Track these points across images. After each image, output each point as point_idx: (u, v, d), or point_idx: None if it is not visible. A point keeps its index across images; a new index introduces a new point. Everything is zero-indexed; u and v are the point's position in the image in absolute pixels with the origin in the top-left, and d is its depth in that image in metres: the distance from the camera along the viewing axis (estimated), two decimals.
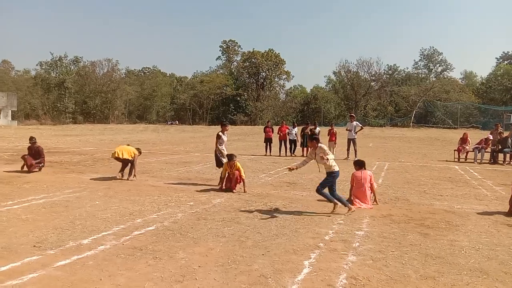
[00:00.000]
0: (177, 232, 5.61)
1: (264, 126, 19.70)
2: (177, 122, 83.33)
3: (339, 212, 7.03)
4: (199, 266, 4.34)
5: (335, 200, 7.22)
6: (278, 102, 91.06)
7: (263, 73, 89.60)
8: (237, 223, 6.19)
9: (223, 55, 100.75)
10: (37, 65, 79.74)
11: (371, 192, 7.95)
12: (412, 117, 74.02)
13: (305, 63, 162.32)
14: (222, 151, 9.89)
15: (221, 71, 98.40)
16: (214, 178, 10.84)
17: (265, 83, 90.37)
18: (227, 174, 9.13)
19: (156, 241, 5.18)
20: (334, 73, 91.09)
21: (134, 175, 10.26)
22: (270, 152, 18.11)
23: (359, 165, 8.12)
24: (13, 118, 56.83)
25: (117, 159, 10.11)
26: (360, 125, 16.49)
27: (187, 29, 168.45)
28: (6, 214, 6.45)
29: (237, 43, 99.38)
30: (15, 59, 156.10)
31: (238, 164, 9.15)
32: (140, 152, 10.62)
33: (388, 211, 7.30)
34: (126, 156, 10.04)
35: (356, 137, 16.38)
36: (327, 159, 7.23)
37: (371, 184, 7.90)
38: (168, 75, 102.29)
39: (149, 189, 9.04)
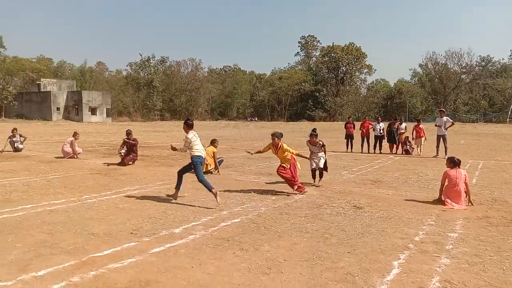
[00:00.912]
0: (261, 226, 5.70)
1: (345, 122, 19.22)
2: (256, 119, 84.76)
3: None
4: (284, 260, 4.37)
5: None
6: (359, 97, 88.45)
7: (343, 68, 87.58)
8: (320, 220, 6.14)
9: (301, 50, 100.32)
10: (127, 65, 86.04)
11: (465, 193, 7.40)
12: (510, 112, 67.40)
13: (388, 56, 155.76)
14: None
15: (299, 67, 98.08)
16: None
17: (345, 77, 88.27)
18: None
19: (242, 233, 5.32)
20: (420, 65, 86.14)
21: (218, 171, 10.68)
22: (351, 148, 17.66)
23: (454, 163, 7.56)
24: (107, 115, 61.90)
25: None
26: (451, 121, 15.38)
27: (266, 27, 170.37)
28: (106, 203, 7.04)
29: (316, 38, 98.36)
30: (108, 61, 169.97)
31: (285, 146, 8.46)
32: (216, 146, 10.99)
33: (485, 213, 6.74)
34: (209, 161, 10.47)
35: (446, 133, 15.34)
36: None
37: (466, 184, 7.35)
38: (247, 72, 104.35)
39: (232, 183, 9.32)
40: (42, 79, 62.14)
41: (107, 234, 5.19)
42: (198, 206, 6.85)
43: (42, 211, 6.36)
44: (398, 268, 4.22)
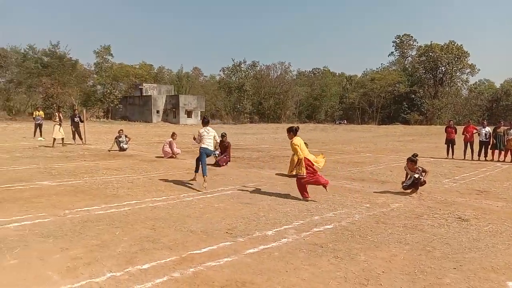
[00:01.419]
0: (356, 234, 5.48)
1: (445, 126, 17.87)
2: (345, 122, 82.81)
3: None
4: (383, 272, 4.14)
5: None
6: (460, 99, 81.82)
7: (442, 68, 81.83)
8: (420, 231, 5.72)
9: (396, 50, 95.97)
10: (220, 71, 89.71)
11: None
12: None
13: (493, 55, 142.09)
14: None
15: (393, 68, 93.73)
16: (390, 180, 10.33)
17: (444, 78, 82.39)
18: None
19: (336, 240, 5.16)
20: None
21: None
22: (452, 155, 16.36)
23: None
24: (201, 118, 65.09)
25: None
26: None
27: (357, 27, 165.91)
28: (202, 202, 7.33)
29: (412, 37, 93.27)
30: (204, 66, 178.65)
31: (296, 144, 7.60)
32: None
33: None
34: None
35: None
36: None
37: None
38: (337, 74, 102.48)
39: (322, 187, 9.12)
40: (144, 84, 67.36)
41: (204, 232, 5.38)
42: (289, 210, 6.81)
43: (145, 207, 6.82)
44: None
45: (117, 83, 67.70)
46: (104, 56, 66.35)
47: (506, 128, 16.30)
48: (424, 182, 8.54)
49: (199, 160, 9.13)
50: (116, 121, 54.53)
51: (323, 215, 6.48)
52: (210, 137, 9.05)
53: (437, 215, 6.75)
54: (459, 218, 6.54)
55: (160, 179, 9.72)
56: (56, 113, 17.86)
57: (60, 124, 17.58)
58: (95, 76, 66.14)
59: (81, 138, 19.23)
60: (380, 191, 8.80)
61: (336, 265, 4.31)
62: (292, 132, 7.96)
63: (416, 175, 8.45)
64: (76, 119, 19.20)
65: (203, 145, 8.94)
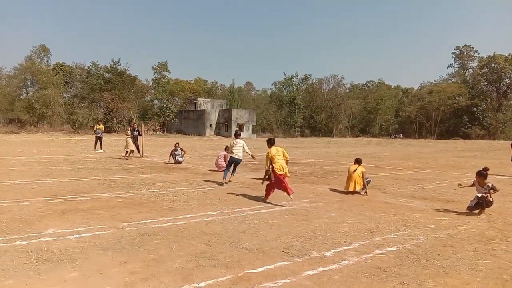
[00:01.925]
0: (422, 258, 5.10)
1: (511, 142, 16.62)
2: (401, 136, 79.92)
3: None
4: None
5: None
6: None
7: (507, 80, 77.09)
8: (494, 256, 5.23)
9: (455, 62, 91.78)
10: (272, 84, 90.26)
11: None
12: None
13: None
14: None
15: (452, 80, 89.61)
16: (455, 199, 9.68)
17: (508, 90, 77.53)
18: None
19: (400, 264, 4.83)
20: None
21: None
22: None
23: None
24: (252, 131, 65.57)
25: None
26: None
27: (413, 38, 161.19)
28: (256, 217, 7.22)
29: (473, 48, 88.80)
30: (256, 80, 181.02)
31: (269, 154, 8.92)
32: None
33: None
34: (358, 181, 10.11)
35: None
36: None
37: None
38: (393, 87, 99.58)
39: (382, 205, 8.72)
40: (198, 99, 69.22)
41: (260, 250, 5.25)
42: (348, 229, 6.51)
43: (200, 221, 6.82)
44: None
45: (173, 97, 70.14)
46: (162, 72, 69.05)
47: None
48: (491, 203, 7.90)
49: (229, 165, 11.56)
50: (171, 135, 56.29)
51: (385, 236, 6.13)
52: (239, 147, 11.34)
53: (511, 239, 6.18)
54: None
55: (214, 193, 9.75)
56: (129, 127, 19.18)
57: (134, 137, 19.29)
58: (153, 91, 68.90)
59: (139, 151, 19.92)
60: (444, 211, 8.25)
61: None
62: (269, 143, 9.26)
63: (479, 194, 7.85)
64: (135, 133, 19.95)
65: (231, 154, 11.37)
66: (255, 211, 7.77)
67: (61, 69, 61.42)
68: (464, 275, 4.53)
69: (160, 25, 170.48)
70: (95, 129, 24.26)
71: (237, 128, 56.24)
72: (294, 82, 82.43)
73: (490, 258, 5.20)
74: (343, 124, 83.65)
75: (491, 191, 7.92)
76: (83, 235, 5.83)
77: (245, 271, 4.44)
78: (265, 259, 4.88)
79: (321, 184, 11.87)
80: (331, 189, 10.83)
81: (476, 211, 7.95)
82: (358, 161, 10.51)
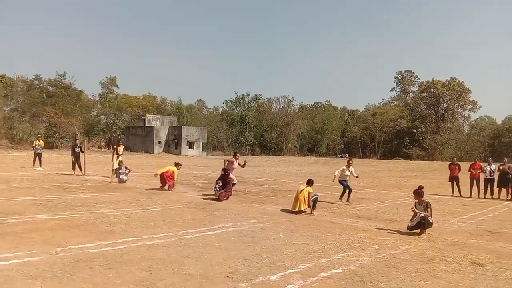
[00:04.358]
0: (367, 280, 5.11)
1: (449, 163, 17.56)
2: (347, 155, 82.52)
3: None
4: None
5: None
6: (462, 135, 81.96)
7: (444, 104, 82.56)
8: (434, 277, 5.35)
9: (397, 86, 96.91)
10: (223, 103, 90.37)
11: None
12: None
13: (494, 91, 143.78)
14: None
15: (395, 103, 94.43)
16: (397, 219, 9.98)
17: (446, 114, 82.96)
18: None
19: (345, 287, 4.79)
20: None
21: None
22: (459, 192, 15.99)
23: None
24: (203, 149, 64.95)
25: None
26: None
27: (359, 62, 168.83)
28: (202, 240, 6.97)
29: (413, 73, 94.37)
30: (207, 98, 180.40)
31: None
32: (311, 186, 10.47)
33: None
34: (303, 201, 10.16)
35: None
36: None
37: None
38: (339, 108, 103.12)
39: (329, 225, 8.78)
40: (147, 115, 67.70)
41: (203, 276, 5.01)
42: (294, 251, 6.44)
43: (141, 245, 6.47)
44: None
45: (121, 113, 68.07)
46: (110, 87, 67.03)
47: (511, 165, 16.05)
48: (431, 224, 8.21)
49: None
50: None
51: (331, 258, 6.11)
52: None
53: (450, 258, 6.39)
54: (474, 262, 6.18)
55: (159, 214, 9.37)
56: (116, 146, 18.84)
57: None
58: (99, 106, 66.56)
59: (80, 169, 18.96)
60: (387, 231, 8.45)
61: None
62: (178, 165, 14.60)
63: (422, 215, 8.14)
64: (77, 149, 19.01)
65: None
66: (201, 233, 7.51)
67: (1, 81, 57.88)
68: None
69: (110, 38, 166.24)
70: (34, 145, 22.85)
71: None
72: (245, 101, 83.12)
73: (431, 278, 5.31)
74: (293, 143, 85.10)
75: (428, 209, 8.24)
76: (10, 262, 5.30)
77: None
78: (209, 286, 4.66)
79: (269, 204, 11.81)
80: (279, 209, 10.78)
81: (417, 231, 8.20)
82: (309, 182, 10.57)
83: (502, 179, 15.56)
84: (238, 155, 14.86)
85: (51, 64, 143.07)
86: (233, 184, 13.30)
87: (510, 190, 15.47)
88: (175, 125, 66.69)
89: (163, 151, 60.77)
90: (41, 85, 56.15)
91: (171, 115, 75.64)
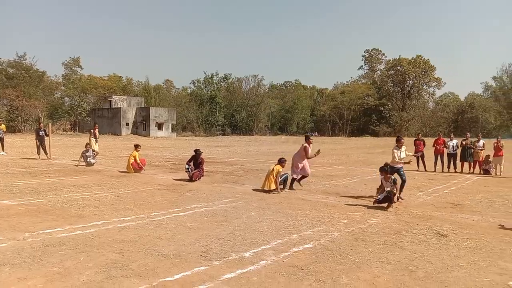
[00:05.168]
0: (337, 253, 5.27)
1: (414, 139, 18.10)
2: (317, 134, 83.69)
3: None
4: None
5: None
6: (427, 112, 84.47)
7: (410, 81, 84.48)
8: (401, 248, 5.57)
9: (365, 64, 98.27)
10: (190, 83, 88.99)
11: None
12: None
13: (458, 69, 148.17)
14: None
15: (363, 81, 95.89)
16: (365, 194, 10.25)
17: (411, 91, 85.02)
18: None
19: (316, 261, 4.93)
20: (494, 78, 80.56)
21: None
22: (424, 167, 16.56)
23: None
24: (172, 130, 64.16)
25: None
26: None
27: (328, 41, 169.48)
28: (174, 221, 6.96)
29: (380, 51, 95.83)
30: (176, 78, 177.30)
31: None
32: (283, 165, 10.55)
33: None
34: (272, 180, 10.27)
35: None
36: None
37: None
38: (309, 87, 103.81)
39: (300, 202, 8.94)
40: (113, 96, 65.96)
41: (176, 256, 5.03)
42: (266, 228, 6.54)
43: (112, 228, 6.40)
44: None
45: (86, 95, 65.99)
46: (73, 68, 64.69)
47: (474, 140, 16.72)
48: (398, 197, 8.51)
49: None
50: (83, 134, 52.96)
51: (302, 233, 6.25)
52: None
53: (415, 230, 6.65)
54: (438, 233, 6.46)
55: (129, 197, 9.26)
56: (92, 130, 18.39)
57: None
58: (63, 88, 64.27)
59: (46, 153, 18.39)
60: (356, 206, 8.69)
61: None
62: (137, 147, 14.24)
63: (389, 188, 8.41)
64: (41, 133, 18.39)
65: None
66: (173, 215, 7.50)
67: None
68: (374, 268, 4.75)
69: (73, 16, 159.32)
70: None
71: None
72: (214, 81, 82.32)
73: (398, 250, 5.53)
74: (263, 123, 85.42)
75: (394, 185, 8.51)
76: None
77: (160, 280, 4.21)
78: (182, 265, 4.69)
79: (241, 183, 11.88)
80: (251, 188, 10.87)
81: (384, 205, 8.48)
82: (279, 161, 10.64)
83: (464, 154, 16.19)
84: (311, 138, 11.52)
85: (10, 45, 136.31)
86: (304, 177, 11.13)
87: (471, 164, 16.15)
88: (143, 106, 65.46)
89: (131, 133, 59.67)
90: (0, 66, 53.57)
91: (138, 96, 74.07)
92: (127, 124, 60.49)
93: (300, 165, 10.79)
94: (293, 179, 10.87)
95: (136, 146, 14.48)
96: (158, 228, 6.41)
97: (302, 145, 10.95)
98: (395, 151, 9.60)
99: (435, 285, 4.26)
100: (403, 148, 9.79)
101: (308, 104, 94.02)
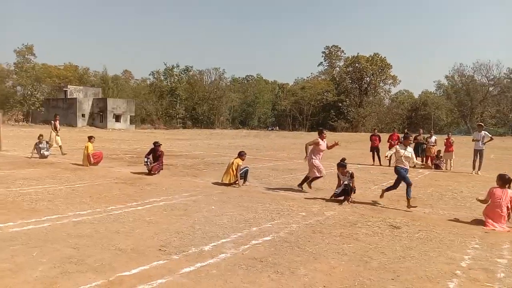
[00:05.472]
0: (295, 245, 5.38)
1: (370, 134, 18.70)
2: (277, 128, 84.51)
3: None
4: (324, 286, 4.04)
5: None
6: (383, 108, 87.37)
7: (367, 78, 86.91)
8: (356, 240, 5.77)
9: (325, 61, 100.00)
10: (149, 74, 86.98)
11: (508, 213, 6.93)
12: None
13: (413, 68, 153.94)
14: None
15: (322, 77, 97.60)
16: (323, 187, 10.50)
17: (369, 88, 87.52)
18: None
19: (275, 253, 5.02)
20: (447, 77, 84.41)
21: None
22: (379, 161, 17.15)
23: (504, 181, 7.12)
24: (131, 122, 62.71)
25: None
26: (490, 136, 14.54)
27: (290, 36, 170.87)
28: (132, 215, 6.84)
29: (340, 48, 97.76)
30: (134, 69, 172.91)
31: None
32: (243, 159, 10.60)
33: None
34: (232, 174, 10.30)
35: (484, 148, 14.62)
36: None
37: (511, 204, 6.88)
38: (270, 82, 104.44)
39: (260, 195, 9.03)
40: (69, 86, 63.48)
41: (134, 250, 4.96)
42: (227, 221, 6.57)
43: (67, 222, 6.20)
44: None
45: (39, 84, 63.03)
46: (26, 56, 61.61)
47: (427, 136, 17.49)
48: (354, 190, 8.77)
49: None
50: (36, 125, 50.70)
51: (261, 226, 6.33)
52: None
53: (370, 222, 6.90)
54: (391, 225, 6.73)
55: (85, 190, 8.99)
56: (53, 121, 17.69)
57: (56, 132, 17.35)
58: (15, 76, 61.11)
59: None
60: (314, 199, 8.88)
61: (277, 281, 4.14)
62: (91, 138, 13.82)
63: (346, 182, 8.65)
64: None
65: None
66: (131, 208, 7.36)
67: None
68: (331, 259, 4.89)
69: (25, 2, 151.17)
70: None
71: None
72: (175, 73, 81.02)
73: (353, 241, 5.72)
74: (225, 116, 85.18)
75: (352, 179, 8.77)
76: None
77: (117, 274, 4.14)
78: (140, 260, 4.63)
79: (202, 177, 11.82)
80: (212, 182, 10.84)
81: (341, 198, 8.72)
82: (239, 154, 10.68)
83: (416, 149, 16.90)
84: (325, 132, 10.47)
85: None
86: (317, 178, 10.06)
87: (424, 158, 16.89)
88: (100, 97, 63.48)
89: (87, 125, 57.81)
90: None
91: (95, 87, 71.71)
92: (83, 116, 58.53)
93: (317, 165, 9.82)
94: (313, 178, 9.98)
95: (90, 138, 14.06)
96: (115, 222, 6.28)
97: (315, 142, 10.10)
98: (399, 149, 8.62)
99: (388, 275, 4.45)
100: (409, 148, 8.77)
101: (270, 98, 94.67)
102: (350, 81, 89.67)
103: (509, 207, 6.93)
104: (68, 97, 60.81)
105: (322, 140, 10.08)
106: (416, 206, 8.23)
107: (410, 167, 9.03)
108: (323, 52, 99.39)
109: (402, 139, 9.45)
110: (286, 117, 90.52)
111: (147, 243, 5.26)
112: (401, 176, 8.50)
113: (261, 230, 6.11)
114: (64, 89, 62.88)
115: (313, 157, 9.89)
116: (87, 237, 5.43)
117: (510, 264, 4.94)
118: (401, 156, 8.51)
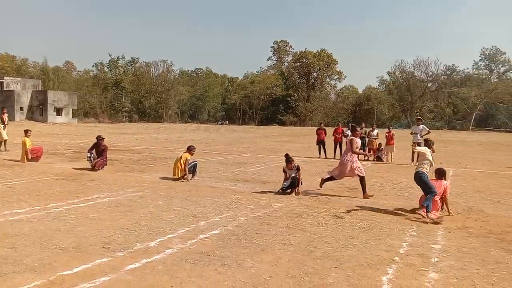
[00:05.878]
0: (242, 238, 5.45)
1: (316, 128, 19.19)
2: (227, 122, 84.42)
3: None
4: (270, 277, 4.14)
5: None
6: (329, 103, 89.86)
7: (314, 73, 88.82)
8: (302, 231, 5.94)
9: (274, 55, 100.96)
10: (92, 66, 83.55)
11: (441, 203, 7.41)
12: (472, 120, 70.29)
13: (357, 63, 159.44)
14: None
15: (271, 72, 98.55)
16: (271, 180, 10.66)
17: (316, 83, 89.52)
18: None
19: (222, 246, 5.05)
20: (389, 73, 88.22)
21: None
22: (325, 154, 17.65)
23: (440, 174, 7.59)
24: (73, 116, 59.98)
25: None
26: (427, 129, 15.44)
27: (239, 30, 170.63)
28: (74, 212, 6.59)
29: (288, 43, 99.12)
30: (77, 60, 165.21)
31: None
32: (192, 154, 10.53)
33: (463, 223, 6.75)
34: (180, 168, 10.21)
35: (422, 141, 15.48)
36: None
37: (444, 196, 7.36)
38: (220, 76, 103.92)
39: (208, 190, 9.01)
40: (5, 77, 59.52)
41: (76, 248, 4.79)
42: (174, 217, 6.51)
43: (3, 221, 5.86)
44: (388, 284, 4.07)
45: None
46: None
47: (369, 130, 18.23)
48: (301, 182, 8.99)
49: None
50: None
51: (209, 220, 6.33)
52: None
53: (315, 213, 7.11)
54: (335, 215, 6.98)
55: (23, 187, 8.52)
56: (1, 114, 16.19)
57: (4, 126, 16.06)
58: None
59: None
60: (262, 192, 9.00)
61: (224, 273, 4.18)
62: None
63: (293, 174, 8.85)
64: None
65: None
66: (73, 206, 7.08)
67: None
68: (277, 250, 5.01)
69: None
70: None
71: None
72: (120, 64, 78.37)
73: (299, 232, 5.88)
74: (173, 110, 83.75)
75: (298, 172, 8.98)
76: None
77: (58, 274, 3.99)
78: (83, 258, 4.48)
79: (149, 172, 11.59)
80: (159, 177, 10.66)
81: (289, 191, 8.91)
82: (188, 149, 10.57)
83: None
84: (358, 129, 9.77)
85: None
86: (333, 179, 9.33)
87: (366, 151, 17.60)
88: (40, 89, 60.09)
89: (26, 118, 54.55)
90: None
91: (35, 78, 67.73)
92: (21, 109, 55.17)
93: (349, 167, 8.91)
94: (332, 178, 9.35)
95: (26, 132, 13.34)
96: (56, 220, 6.02)
97: (348, 137, 9.42)
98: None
99: (331, 263, 4.63)
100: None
101: (219, 92, 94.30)
102: (298, 76, 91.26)
103: (445, 197, 7.41)
104: (5, 89, 56.98)
105: (356, 138, 9.27)
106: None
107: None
108: (272, 47, 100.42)
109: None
110: (236, 111, 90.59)
111: (89, 241, 5.10)
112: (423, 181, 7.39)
113: (209, 224, 6.12)
114: (0, 80, 58.83)
115: (352, 159, 8.97)
116: (25, 236, 5.17)
117: (444, 249, 5.30)
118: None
